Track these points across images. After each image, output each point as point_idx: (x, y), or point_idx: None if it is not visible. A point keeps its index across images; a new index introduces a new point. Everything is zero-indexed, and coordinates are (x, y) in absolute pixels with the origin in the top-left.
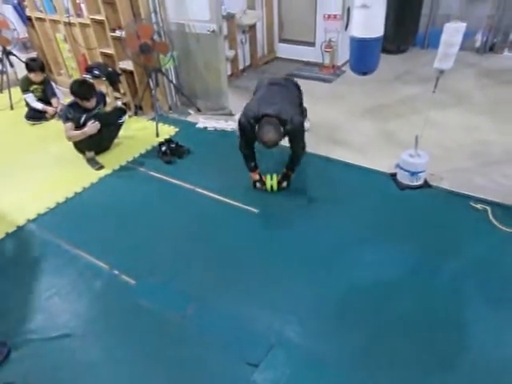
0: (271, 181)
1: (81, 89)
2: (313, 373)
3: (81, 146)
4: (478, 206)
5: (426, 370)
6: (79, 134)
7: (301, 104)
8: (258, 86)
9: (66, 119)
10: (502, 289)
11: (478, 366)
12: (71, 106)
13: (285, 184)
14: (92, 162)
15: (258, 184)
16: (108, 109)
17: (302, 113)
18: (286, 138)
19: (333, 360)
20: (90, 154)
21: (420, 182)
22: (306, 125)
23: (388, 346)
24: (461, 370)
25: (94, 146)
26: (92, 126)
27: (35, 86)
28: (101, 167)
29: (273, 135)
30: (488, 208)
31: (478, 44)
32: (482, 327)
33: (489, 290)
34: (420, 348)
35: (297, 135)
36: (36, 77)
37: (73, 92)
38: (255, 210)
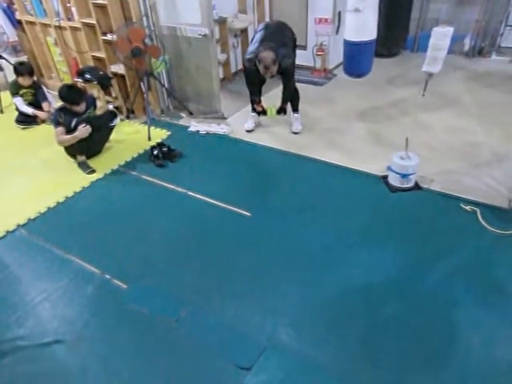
0: (271, 110)
1: (69, 94)
2: (306, 376)
3: (72, 150)
4: (468, 207)
5: (417, 371)
6: (70, 138)
7: (294, 47)
8: (256, 31)
9: (57, 123)
10: (491, 289)
11: (467, 366)
12: (62, 109)
13: (282, 114)
14: (83, 166)
15: (260, 114)
16: (99, 112)
17: (294, 53)
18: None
19: (326, 362)
20: (82, 158)
21: (411, 184)
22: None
23: (380, 349)
24: (451, 370)
25: (85, 150)
26: (83, 130)
27: (24, 90)
28: (92, 171)
29: (267, 54)
30: (477, 209)
31: (466, 48)
32: (471, 328)
33: (478, 290)
34: (411, 349)
35: (287, 72)
36: (24, 81)
37: (61, 97)
38: (248, 214)
